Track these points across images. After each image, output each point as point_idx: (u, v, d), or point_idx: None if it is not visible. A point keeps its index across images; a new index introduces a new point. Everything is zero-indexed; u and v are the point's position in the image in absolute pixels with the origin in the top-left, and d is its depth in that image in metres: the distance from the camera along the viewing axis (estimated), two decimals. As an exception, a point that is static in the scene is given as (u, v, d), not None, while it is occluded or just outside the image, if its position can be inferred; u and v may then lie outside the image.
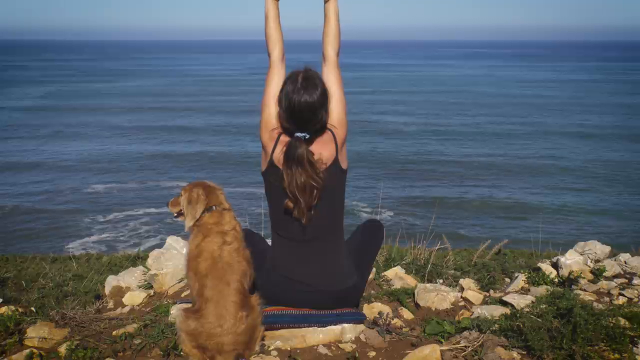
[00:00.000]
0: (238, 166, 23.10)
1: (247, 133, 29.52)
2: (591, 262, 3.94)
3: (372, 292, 3.39)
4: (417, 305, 3.21)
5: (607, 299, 3.34)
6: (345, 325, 2.65)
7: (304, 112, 2.51)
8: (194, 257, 2.47)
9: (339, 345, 2.58)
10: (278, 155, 2.58)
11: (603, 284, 3.57)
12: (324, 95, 2.57)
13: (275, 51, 2.77)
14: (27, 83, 56.59)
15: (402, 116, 36.92)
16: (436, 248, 4.41)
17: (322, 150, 2.59)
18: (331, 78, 2.73)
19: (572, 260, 3.79)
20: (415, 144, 28.13)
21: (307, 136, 2.52)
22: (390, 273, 3.79)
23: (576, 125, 33.41)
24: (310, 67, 2.64)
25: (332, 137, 2.62)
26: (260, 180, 2.73)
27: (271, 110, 2.66)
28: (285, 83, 2.59)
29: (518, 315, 2.66)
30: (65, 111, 37.53)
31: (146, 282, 3.82)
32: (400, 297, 3.25)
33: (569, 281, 3.57)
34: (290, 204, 2.55)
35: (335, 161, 2.61)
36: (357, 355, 2.46)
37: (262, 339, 2.54)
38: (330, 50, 2.78)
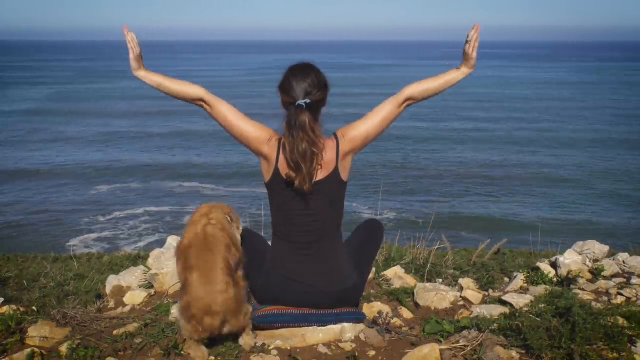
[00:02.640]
0: (237, 167, 23.09)
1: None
2: (590, 261, 3.96)
3: (372, 291, 3.40)
4: (416, 304, 3.22)
5: (605, 298, 3.35)
6: (345, 324, 2.66)
7: (297, 75, 2.59)
8: (179, 244, 2.57)
9: (339, 344, 2.59)
10: (283, 163, 2.59)
11: (602, 283, 3.59)
12: (322, 75, 2.63)
13: (199, 91, 2.67)
14: (25, 85, 56.13)
15: (402, 116, 36.87)
16: (436, 248, 4.42)
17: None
18: (386, 107, 2.67)
19: (570, 259, 3.80)
20: (415, 144, 28.14)
21: (308, 101, 2.54)
22: (389, 273, 3.80)
23: (574, 126, 33.43)
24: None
25: (335, 145, 2.63)
26: (260, 181, 2.74)
27: (247, 126, 2.64)
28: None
29: (517, 314, 2.67)
30: (64, 115, 36.81)
31: (147, 282, 3.83)
32: (400, 297, 3.26)
33: (568, 281, 3.59)
34: (292, 174, 2.55)
35: (335, 170, 2.62)
36: (357, 354, 2.47)
37: (255, 333, 2.59)
38: (408, 92, 2.67)
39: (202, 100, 2.68)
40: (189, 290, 2.40)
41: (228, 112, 2.66)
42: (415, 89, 2.69)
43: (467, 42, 2.71)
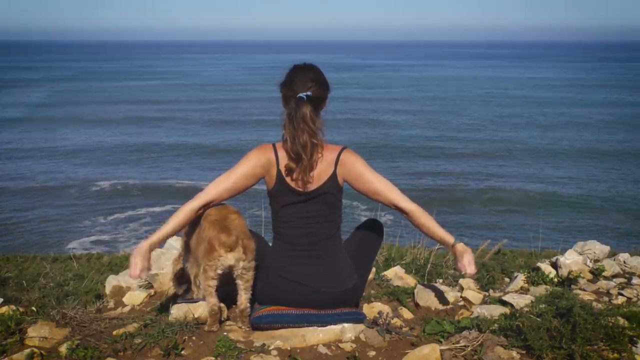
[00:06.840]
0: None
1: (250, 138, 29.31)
2: (590, 261, 3.95)
3: (372, 291, 3.40)
4: (416, 304, 3.22)
5: (606, 298, 3.34)
6: (345, 324, 2.65)
7: (299, 71, 2.65)
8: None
9: (339, 344, 2.58)
10: (283, 160, 2.62)
11: (602, 283, 3.58)
12: (324, 76, 2.68)
13: (196, 204, 2.65)
14: (25, 86, 55.55)
15: (404, 119, 36.89)
16: (436, 248, 4.42)
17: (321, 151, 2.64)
18: (392, 191, 2.73)
19: (571, 260, 3.80)
20: (415, 145, 28.16)
21: (309, 94, 2.58)
22: (390, 273, 3.80)
23: (574, 130, 33.46)
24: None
25: (337, 152, 2.67)
26: (260, 181, 2.76)
27: (243, 168, 2.66)
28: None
29: (517, 314, 2.66)
30: (64, 120, 35.97)
31: (146, 282, 3.83)
32: (400, 297, 3.26)
33: (568, 281, 3.58)
34: (293, 165, 2.59)
35: (334, 174, 2.66)
36: (357, 354, 2.47)
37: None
38: (410, 206, 2.73)
39: (204, 206, 2.68)
40: (206, 224, 2.62)
41: (225, 183, 2.67)
42: (416, 212, 2.73)
43: (468, 263, 2.75)
